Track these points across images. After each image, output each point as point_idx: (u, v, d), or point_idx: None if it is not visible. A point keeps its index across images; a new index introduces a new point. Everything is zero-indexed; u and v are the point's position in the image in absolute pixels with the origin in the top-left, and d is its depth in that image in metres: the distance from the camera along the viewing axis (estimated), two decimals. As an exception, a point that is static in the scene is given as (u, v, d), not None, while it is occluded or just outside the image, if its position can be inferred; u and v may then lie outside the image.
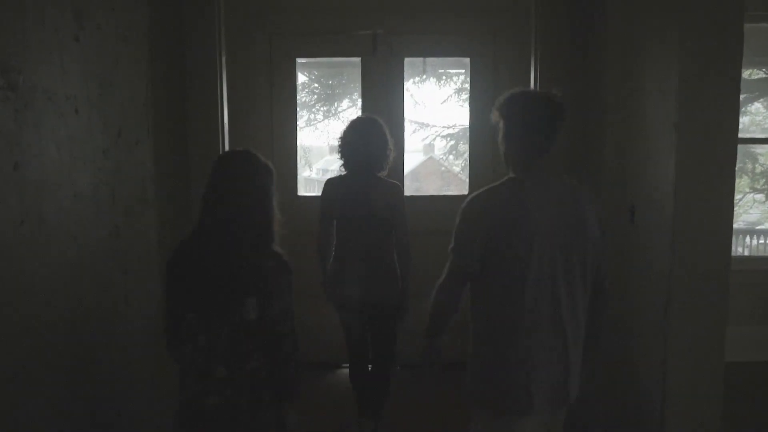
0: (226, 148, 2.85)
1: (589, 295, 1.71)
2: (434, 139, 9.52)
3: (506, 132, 1.73)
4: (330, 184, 2.74)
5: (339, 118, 8.83)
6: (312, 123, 8.89)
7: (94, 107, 1.88)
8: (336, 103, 8.92)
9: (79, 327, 1.77)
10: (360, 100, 3.90)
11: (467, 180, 3.99)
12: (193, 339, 1.67)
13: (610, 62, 2.49)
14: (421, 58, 4.51)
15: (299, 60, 3.80)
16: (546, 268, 1.63)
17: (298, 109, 3.94)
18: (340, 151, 2.71)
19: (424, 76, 9.05)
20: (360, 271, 2.65)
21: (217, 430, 1.68)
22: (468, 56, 3.83)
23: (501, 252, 1.65)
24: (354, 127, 2.70)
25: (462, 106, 8.23)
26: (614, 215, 2.40)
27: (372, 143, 2.64)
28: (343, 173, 2.74)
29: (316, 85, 9.03)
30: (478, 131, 3.91)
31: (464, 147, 7.56)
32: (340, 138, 2.71)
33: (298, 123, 3.95)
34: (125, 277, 2.10)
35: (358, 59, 3.77)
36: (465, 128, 5.44)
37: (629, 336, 2.28)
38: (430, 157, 10.63)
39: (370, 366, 2.89)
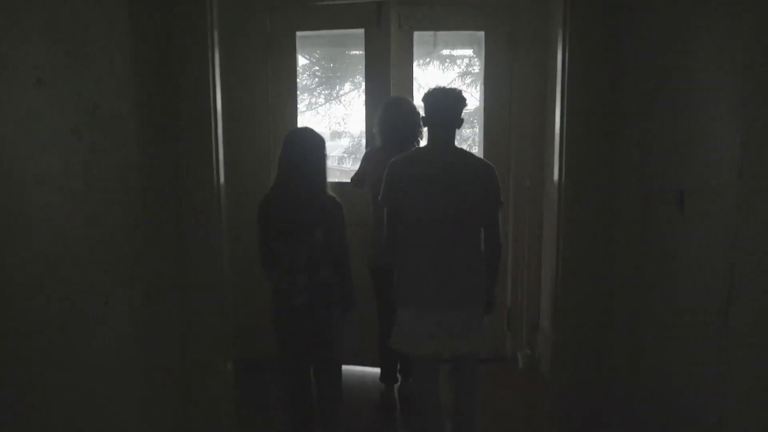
0: (219, 130, 2.58)
1: (479, 233, 2.41)
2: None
3: (424, 116, 2.45)
4: (365, 157, 3.24)
5: (341, 102, 8.52)
6: (313, 107, 8.56)
7: (61, 78, 1.61)
8: (338, 87, 8.59)
9: (48, 332, 1.52)
10: (363, 82, 3.58)
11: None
12: (279, 260, 2.36)
13: (651, 28, 2.22)
14: (429, 40, 4.23)
15: (299, 34, 3.50)
16: (438, 210, 2.34)
17: (299, 93, 3.65)
18: (377, 129, 3.13)
19: (428, 59, 8.73)
20: None
21: (303, 323, 2.38)
22: (483, 30, 3.53)
23: (410, 198, 2.38)
24: (387, 107, 3.10)
25: (466, 90, 7.90)
26: (658, 202, 2.13)
27: (406, 121, 3.06)
28: (379, 146, 3.14)
29: (317, 67, 8.71)
30: (494, 111, 3.63)
31: (469, 131, 7.24)
32: (378, 117, 3.11)
33: (299, 105, 3.67)
34: (104, 274, 1.84)
35: (361, 33, 3.45)
36: (469, 111, 5.10)
37: (675, 337, 2.03)
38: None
39: None
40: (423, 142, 3.18)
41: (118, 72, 1.97)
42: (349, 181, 3.30)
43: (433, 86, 2.48)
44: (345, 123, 8.86)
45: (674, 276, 2.03)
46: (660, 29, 2.17)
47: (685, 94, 1.94)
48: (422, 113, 2.48)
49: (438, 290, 2.36)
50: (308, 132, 2.43)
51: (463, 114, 2.45)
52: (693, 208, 1.87)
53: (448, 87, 2.46)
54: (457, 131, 2.47)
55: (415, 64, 3.64)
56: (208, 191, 2.52)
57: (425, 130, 2.53)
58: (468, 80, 8.66)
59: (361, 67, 3.58)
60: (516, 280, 3.80)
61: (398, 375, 3.30)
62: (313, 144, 2.39)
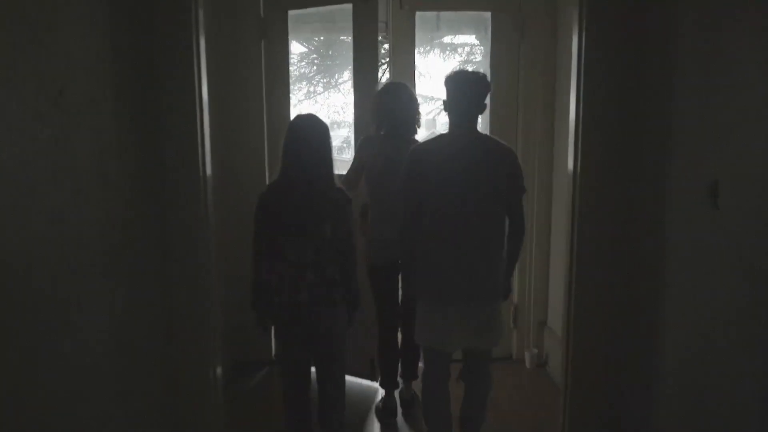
0: (206, 117, 2.38)
1: (502, 223, 2.33)
2: (438, 113, 8.99)
3: (446, 100, 2.36)
4: (360, 146, 2.97)
5: (339, 90, 8.32)
6: (312, 96, 8.38)
7: (19, 55, 1.42)
8: (336, 75, 8.40)
9: (10, 344, 1.34)
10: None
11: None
12: (285, 256, 2.22)
13: (678, 7, 2.02)
14: (430, 24, 4.02)
15: (292, 13, 3.29)
16: (465, 199, 2.25)
17: (296, 81, 3.45)
18: (373, 116, 2.90)
19: (429, 47, 8.52)
20: (391, 233, 2.61)
21: (306, 320, 2.25)
22: (489, 10, 3.33)
23: (434, 187, 2.27)
24: (384, 93, 2.89)
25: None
26: (686, 194, 1.94)
27: (405, 108, 2.85)
28: (374, 135, 2.93)
29: (315, 55, 8.52)
30: (500, 97, 3.43)
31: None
32: (375, 104, 2.89)
33: (297, 95, 3.48)
34: (75, 275, 1.66)
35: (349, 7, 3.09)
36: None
37: (705, 338, 1.85)
38: (432, 133, 10.12)
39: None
40: (421, 130, 3.00)
41: (91, 50, 1.78)
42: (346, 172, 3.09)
43: (455, 69, 2.38)
44: (344, 112, 8.69)
45: (705, 273, 1.85)
46: (688, 7, 1.97)
47: (720, 75, 1.76)
48: (443, 97, 2.37)
49: (465, 282, 2.28)
50: (313, 119, 2.29)
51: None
52: (729, 202, 1.69)
53: (470, 70, 2.36)
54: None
55: (415, 51, 3.44)
56: (194, 183, 2.33)
57: (439, 115, 2.41)
58: (469, 69, 8.49)
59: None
60: (523, 276, 3.64)
61: (399, 379, 3.13)
62: (318, 132, 2.25)
